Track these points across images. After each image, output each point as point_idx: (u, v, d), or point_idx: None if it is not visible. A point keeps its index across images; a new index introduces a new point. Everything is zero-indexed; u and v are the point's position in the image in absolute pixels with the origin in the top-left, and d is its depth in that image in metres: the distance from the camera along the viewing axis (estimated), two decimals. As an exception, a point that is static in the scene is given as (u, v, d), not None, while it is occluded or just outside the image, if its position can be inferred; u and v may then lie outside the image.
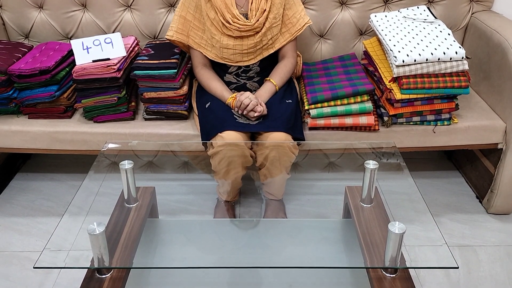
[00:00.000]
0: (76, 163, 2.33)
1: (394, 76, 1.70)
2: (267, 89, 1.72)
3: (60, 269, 1.70)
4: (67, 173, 2.26)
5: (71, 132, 1.81)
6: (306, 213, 1.94)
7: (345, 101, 1.73)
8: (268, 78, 1.75)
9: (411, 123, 1.80)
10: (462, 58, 1.68)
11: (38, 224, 1.93)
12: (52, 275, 1.69)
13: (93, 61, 1.77)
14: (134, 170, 1.49)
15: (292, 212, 1.94)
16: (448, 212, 1.99)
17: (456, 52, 1.67)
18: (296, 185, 2.11)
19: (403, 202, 2.01)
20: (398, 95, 1.70)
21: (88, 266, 1.23)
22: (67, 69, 1.86)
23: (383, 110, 1.80)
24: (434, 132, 1.80)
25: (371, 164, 1.44)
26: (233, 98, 1.66)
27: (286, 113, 1.66)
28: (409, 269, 1.28)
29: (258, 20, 1.67)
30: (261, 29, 1.70)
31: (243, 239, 1.48)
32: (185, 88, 1.82)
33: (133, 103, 1.88)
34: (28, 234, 1.88)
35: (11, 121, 1.84)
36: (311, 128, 1.78)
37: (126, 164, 1.44)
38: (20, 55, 1.89)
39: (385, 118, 1.78)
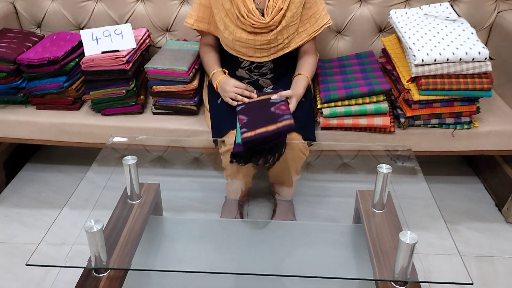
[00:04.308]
0: (86, 155, 2.29)
1: (413, 75, 1.62)
2: (302, 83, 1.66)
3: (55, 267, 1.66)
4: (76, 165, 2.24)
5: (78, 124, 1.78)
6: (316, 216, 1.88)
7: (360, 100, 1.66)
8: (298, 72, 1.69)
9: (429, 125, 1.72)
10: (486, 59, 1.59)
11: (43, 216, 1.91)
12: (54, 268, 1.66)
13: (102, 52, 1.73)
14: (141, 165, 1.45)
15: (302, 213, 1.88)
16: (465, 219, 1.91)
17: (479, 53, 1.58)
18: (306, 186, 2.05)
19: (417, 208, 1.93)
20: (416, 96, 1.63)
21: (84, 266, 1.18)
22: (77, 60, 1.82)
23: (399, 111, 1.72)
24: (453, 136, 1.72)
25: (384, 168, 1.37)
26: (223, 73, 1.66)
27: (299, 113, 1.60)
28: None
29: (273, 19, 1.60)
30: (277, 27, 1.63)
31: (249, 242, 1.44)
32: (196, 82, 1.77)
33: (142, 97, 1.84)
34: (32, 226, 1.86)
35: (19, 111, 1.81)
36: (323, 128, 1.72)
37: (130, 160, 1.39)
38: (30, 44, 1.87)
39: (402, 120, 1.71)
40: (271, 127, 1.39)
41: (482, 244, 1.78)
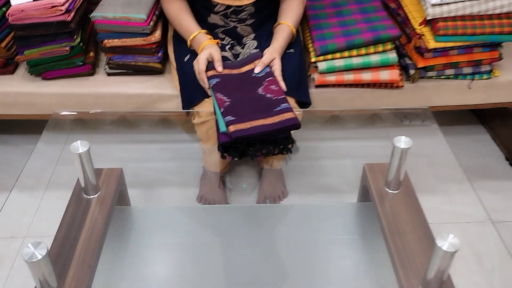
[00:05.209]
0: (35, 121, 1.95)
1: (428, 18, 1.32)
2: (283, 35, 1.32)
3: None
4: (24, 134, 1.88)
5: (14, 93, 1.43)
6: (309, 185, 1.62)
7: (363, 50, 1.36)
8: (279, 22, 1.36)
9: (443, 77, 1.45)
10: (516, -7, 1.30)
11: (-15, 202, 1.60)
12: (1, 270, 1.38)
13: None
14: (98, 129, 1.17)
15: (293, 183, 1.62)
16: (474, 177, 1.70)
17: (509, -14, 1.29)
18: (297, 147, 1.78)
19: (419, 166, 1.70)
20: (432, 43, 1.34)
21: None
22: (4, 9, 1.44)
23: (408, 61, 1.43)
24: (470, 88, 1.46)
25: (402, 142, 1.10)
26: (213, 43, 1.29)
27: (289, 69, 1.29)
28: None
29: None
30: None
31: (237, 238, 1.19)
32: (158, 34, 1.42)
33: (91, 54, 1.48)
34: (-26, 216, 1.54)
35: None
36: (318, 86, 1.42)
37: (80, 147, 1.08)
38: None
39: (411, 71, 1.42)
40: (269, 120, 1.08)
41: (497, 207, 1.58)
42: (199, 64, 1.24)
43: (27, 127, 1.90)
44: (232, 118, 1.08)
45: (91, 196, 1.16)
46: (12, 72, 1.48)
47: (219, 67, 1.24)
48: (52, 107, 1.42)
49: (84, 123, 1.53)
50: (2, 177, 1.70)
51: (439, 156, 1.53)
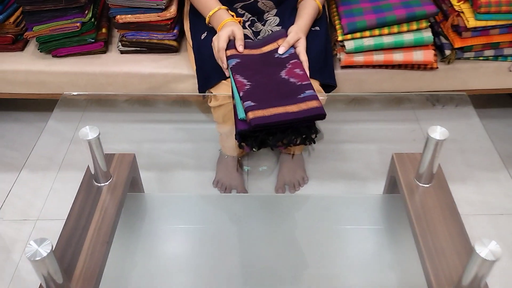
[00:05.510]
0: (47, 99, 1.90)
1: (469, -7, 1.20)
2: (308, 12, 1.21)
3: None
4: (37, 111, 1.83)
5: (23, 72, 1.37)
6: (331, 171, 1.54)
7: (395, 28, 1.25)
8: None
9: (481, 58, 1.33)
10: None
11: (-1, 182, 1.56)
12: (14, 254, 1.35)
13: (41, -29, 1.26)
14: (112, 107, 1.17)
15: (313, 168, 1.54)
16: (508, 165, 1.58)
17: None
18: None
19: (450, 153, 1.60)
20: (472, 22, 1.22)
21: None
22: (11, -19, 1.36)
23: (444, 40, 1.32)
24: (510, 71, 1.34)
25: (438, 132, 1.00)
26: (235, 21, 1.19)
27: (314, 49, 1.19)
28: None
29: None
30: None
31: (256, 230, 1.13)
32: (173, 9, 1.33)
33: (103, 30, 1.41)
34: (-14, 197, 1.51)
35: None
36: (344, 66, 1.32)
37: (89, 133, 1.01)
38: None
39: (447, 52, 1.31)
40: (292, 107, 0.99)
41: (534, 199, 1.48)
42: (220, 41, 1.15)
43: (40, 104, 1.84)
44: (252, 104, 1.00)
45: (102, 184, 1.10)
46: (22, 49, 1.41)
47: (240, 46, 1.15)
48: (62, 86, 1.36)
49: (98, 101, 1.46)
50: (15, 156, 1.66)
51: (473, 142, 1.44)
